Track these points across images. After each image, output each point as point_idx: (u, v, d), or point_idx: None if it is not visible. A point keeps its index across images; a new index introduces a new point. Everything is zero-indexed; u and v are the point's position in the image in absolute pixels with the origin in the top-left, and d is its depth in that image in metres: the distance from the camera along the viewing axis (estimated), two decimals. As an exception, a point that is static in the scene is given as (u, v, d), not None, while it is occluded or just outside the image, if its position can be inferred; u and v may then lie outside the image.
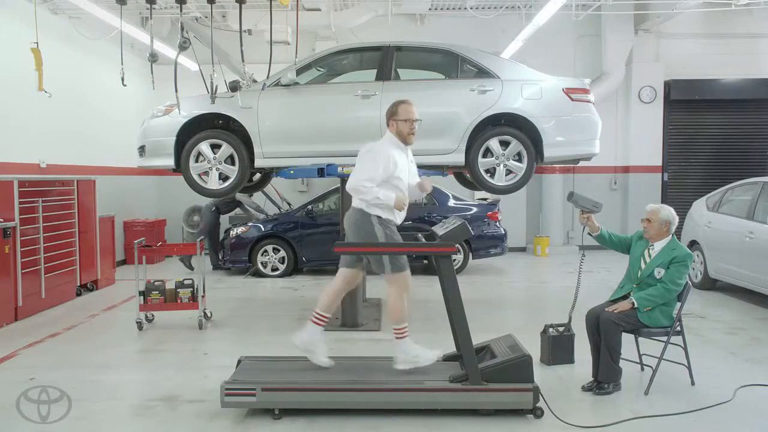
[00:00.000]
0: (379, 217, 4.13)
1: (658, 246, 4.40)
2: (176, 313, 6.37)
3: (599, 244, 4.72)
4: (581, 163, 6.78)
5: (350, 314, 6.11)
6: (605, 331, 4.25)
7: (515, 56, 9.88)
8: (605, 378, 4.30)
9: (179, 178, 6.27)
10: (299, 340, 4.23)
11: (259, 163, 6.13)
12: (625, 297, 4.41)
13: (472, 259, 9.45)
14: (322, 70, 6.60)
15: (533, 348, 4.44)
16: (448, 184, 9.15)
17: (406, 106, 4.25)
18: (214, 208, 9.78)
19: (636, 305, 4.26)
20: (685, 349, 4.44)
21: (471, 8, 10.40)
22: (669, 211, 4.42)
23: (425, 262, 9.44)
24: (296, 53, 6.28)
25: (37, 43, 6.81)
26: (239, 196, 9.57)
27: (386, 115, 4.31)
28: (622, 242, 4.64)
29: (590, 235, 4.64)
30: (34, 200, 6.96)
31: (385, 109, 5.92)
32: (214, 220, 9.85)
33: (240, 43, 5.75)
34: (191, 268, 9.54)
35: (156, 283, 6.25)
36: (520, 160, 6.04)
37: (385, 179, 4.10)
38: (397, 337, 4.13)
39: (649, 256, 4.40)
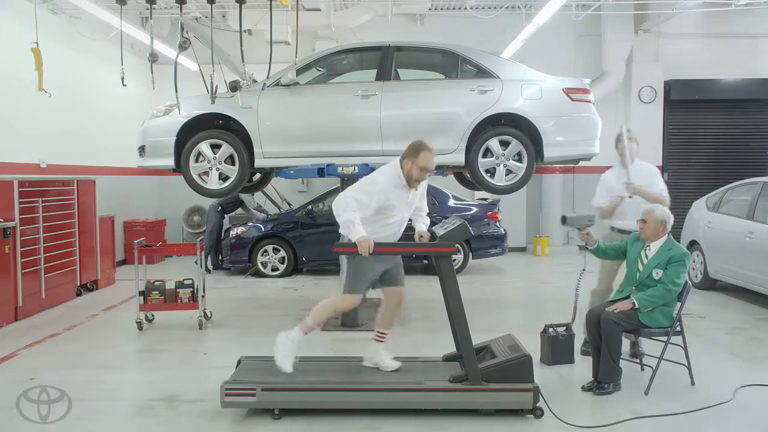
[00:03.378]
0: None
1: (654, 246, 4.40)
2: (176, 313, 6.37)
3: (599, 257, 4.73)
4: (581, 163, 6.78)
5: (350, 314, 6.11)
6: (606, 331, 4.25)
7: (515, 56, 9.88)
8: (605, 378, 4.30)
9: (179, 178, 6.26)
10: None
11: (259, 163, 6.12)
12: (625, 299, 4.41)
13: (472, 259, 9.44)
14: (322, 70, 6.59)
15: (533, 348, 4.45)
16: (448, 184, 9.14)
17: (427, 153, 3.98)
18: (219, 207, 9.80)
19: (636, 306, 4.26)
20: (685, 349, 4.45)
21: (471, 8, 10.39)
22: (664, 211, 4.42)
23: (425, 262, 9.45)
24: (296, 53, 6.28)
25: (37, 43, 6.81)
26: (241, 195, 9.58)
27: (405, 152, 4.05)
28: (617, 250, 4.64)
29: (588, 249, 4.65)
30: (34, 200, 6.96)
31: (385, 109, 5.93)
32: (220, 219, 9.88)
33: (240, 43, 5.74)
34: (208, 270, 9.45)
35: (156, 283, 6.25)
36: (520, 160, 6.03)
37: (377, 211, 4.00)
38: (302, 332, 4.12)
39: (646, 257, 4.40)
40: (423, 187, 4.27)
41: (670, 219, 4.41)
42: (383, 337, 4.30)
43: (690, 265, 4.62)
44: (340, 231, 3.97)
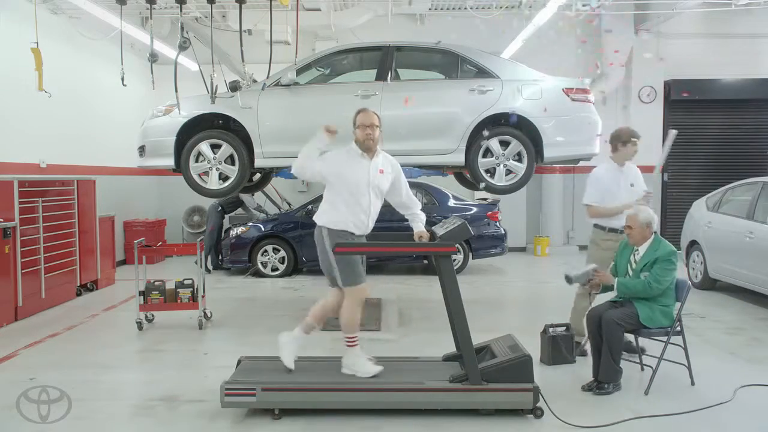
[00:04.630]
0: (328, 229, 4.10)
1: (642, 249, 4.42)
2: (176, 313, 6.38)
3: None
4: (581, 163, 6.78)
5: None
6: (607, 331, 4.26)
7: (515, 56, 9.87)
8: (606, 378, 4.30)
9: (179, 178, 6.26)
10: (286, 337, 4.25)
11: (259, 163, 6.12)
12: (622, 303, 4.43)
13: (472, 259, 9.44)
14: (322, 70, 6.59)
15: (533, 348, 4.45)
16: (448, 184, 9.14)
17: (362, 113, 4.21)
18: (219, 208, 9.81)
19: (615, 287, 4.37)
20: (685, 349, 4.45)
21: (471, 8, 10.38)
22: (647, 212, 4.46)
23: (425, 262, 9.45)
24: (296, 53, 6.27)
25: (37, 43, 6.81)
26: (241, 195, 9.59)
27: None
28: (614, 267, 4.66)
29: (605, 290, 4.63)
30: (34, 200, 6.96)
31: (385, 109, 5.94)
32: (220, 219, 9.88)
33: (240, 43, 5.74)
34: (208, 270, 9.46)
35: (156, 283, 6.25)
36: (520, 160, 6.03)
37: (324, 173, 4.18)
38: (347, 345, 4.16)
39: (635, 261, 4.42)
40: (397, 171, 4.27)
41: (654, 219, 4.45)
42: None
43: (680, 263, 4.60)
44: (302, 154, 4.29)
